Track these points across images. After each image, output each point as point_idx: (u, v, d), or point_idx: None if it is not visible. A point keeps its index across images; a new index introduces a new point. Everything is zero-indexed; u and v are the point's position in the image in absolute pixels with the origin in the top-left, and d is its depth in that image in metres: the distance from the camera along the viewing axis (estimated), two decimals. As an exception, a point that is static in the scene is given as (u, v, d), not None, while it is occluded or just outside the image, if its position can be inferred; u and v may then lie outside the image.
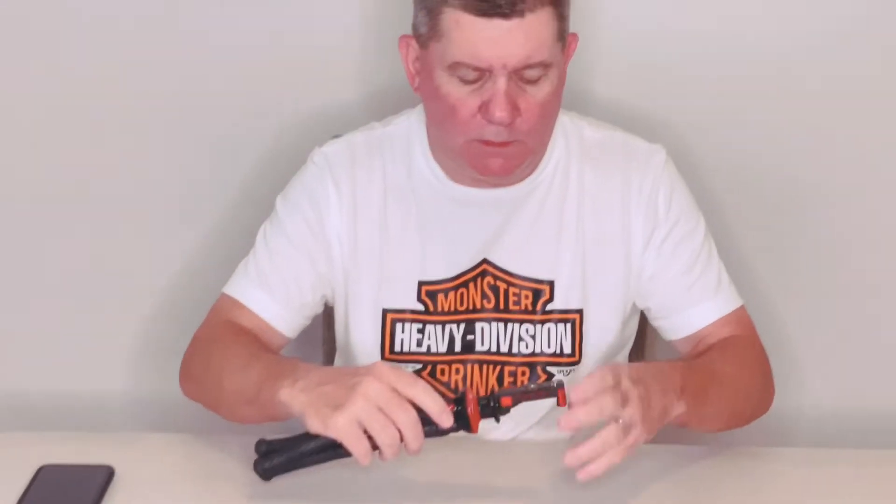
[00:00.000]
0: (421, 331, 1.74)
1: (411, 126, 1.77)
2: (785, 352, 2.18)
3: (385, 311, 1.74)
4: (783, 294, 2.22)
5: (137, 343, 2.26)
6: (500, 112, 1.58)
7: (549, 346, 1.74)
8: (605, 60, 2.10)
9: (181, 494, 1.54)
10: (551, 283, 1.73)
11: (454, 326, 1.74)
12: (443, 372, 1.74)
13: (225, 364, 1.58)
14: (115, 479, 1.54)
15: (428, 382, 1.69)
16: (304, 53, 2.10)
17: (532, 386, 1.54)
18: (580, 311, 1.74)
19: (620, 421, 1.40)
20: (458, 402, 1.44)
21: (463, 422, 1.44)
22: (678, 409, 1.50)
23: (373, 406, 1.38)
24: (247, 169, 2.16)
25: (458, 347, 1.74)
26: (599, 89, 2.11)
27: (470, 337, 1.74)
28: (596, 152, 1.76)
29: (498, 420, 1.46)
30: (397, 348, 1.74)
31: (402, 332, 1.74)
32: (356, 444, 1.39)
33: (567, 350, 1.74)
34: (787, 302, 2.23)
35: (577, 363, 1.74)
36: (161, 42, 2.11)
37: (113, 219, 2.19)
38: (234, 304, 1.72)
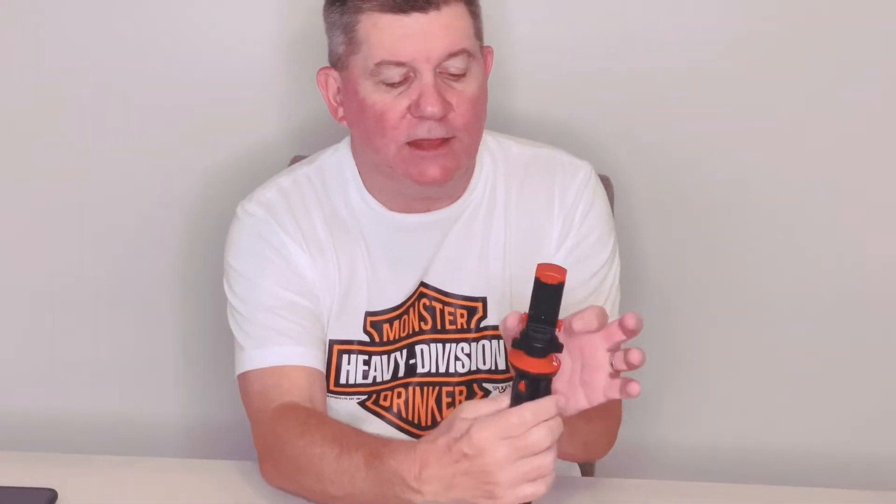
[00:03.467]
0: (367, 362, 1.74)
1: (341, 160, 1.77)
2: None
3: (332, 343, 1.74)
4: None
5: (93, 363, 2.25)
6: (431, 106, 1.60)
7: (484, 363, 1.75)
8: (523, 75, 2.12)
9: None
10: (484, 300, 1.75)
11: (398, 354, 1.75)
12: (385, 397, 1.75)
13: (321, 473, 1.52)
14: (58, 502, 1.54)
15: (371, 410, 1.73)
16: (221, 95, 2.13)
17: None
18: None
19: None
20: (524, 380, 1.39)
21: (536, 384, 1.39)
22: None
23: (516, 464, 1.36)
24: (181, 213, 2.18)
25: (401, 372, 1.75)
26: (520, 105, 2.13)
27: (412, 361, 1.75)
28: (522, 169, 1.78)
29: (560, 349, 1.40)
30: (342, 380, 1.74)
31: (349, 363, 1.74)
32: (538, 491, 1.37)
33: (502, 366, 1.75)
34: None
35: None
36: (77, 97, 2.13)
37: (70, 246, 2.21)
38: (271, 374, 1.66)
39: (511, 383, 1.41)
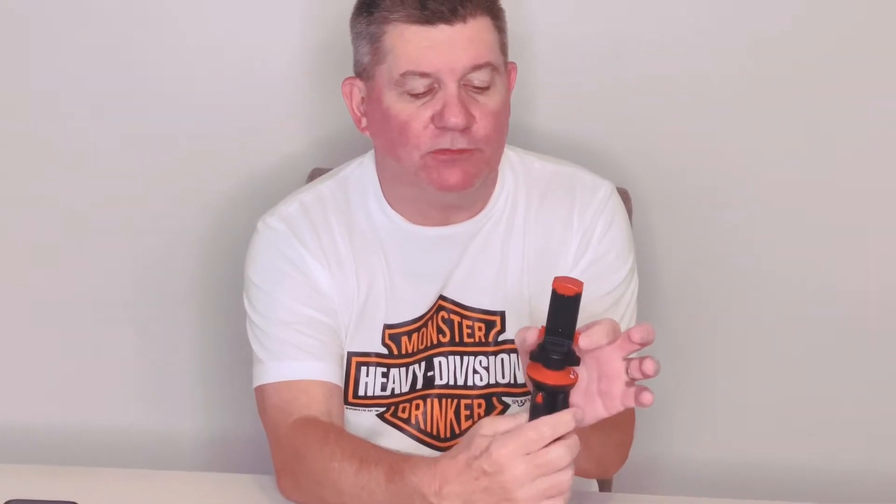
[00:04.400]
0: (385, 374, 1.74)
1: (364, 173, 1.77)
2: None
3: (350, 355, 1.74)
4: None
5: (113, 376, 2.25)
6: (454, 117, 1.61)
7: (503, 377, 1.75)
8: (544, 91, 2.12)
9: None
10: (502, 314, 1.75)
11: (416, 366, 1.75)
12: (403, 409, 1.75)
13: (340, 487, 1.52)
14: (79, 514, 1.55)
15: (390, 422, 1.73)
16: (245, 105, 2.13)
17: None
18: None
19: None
20: (542, 391, 1.39)
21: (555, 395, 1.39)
22: None
23: (536, 481, 1.36)
24: (204, 229, 2.18)
25: (419, 384, 1.75)
26: (541, 122, 2.13)
27: (430, 373, 1.75)
28: (543, 185, 1.78)
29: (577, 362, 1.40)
30: (360, 392, 1.75)
31: (367, 375, 1.74)
32: None
33: (521, 380, 1.75)
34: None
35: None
36: (100, 99, 2.13)
37: (86, 262, 2.21)
38: (289, 388, 1.66)
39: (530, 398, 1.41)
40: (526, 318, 1.73)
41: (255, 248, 1.74)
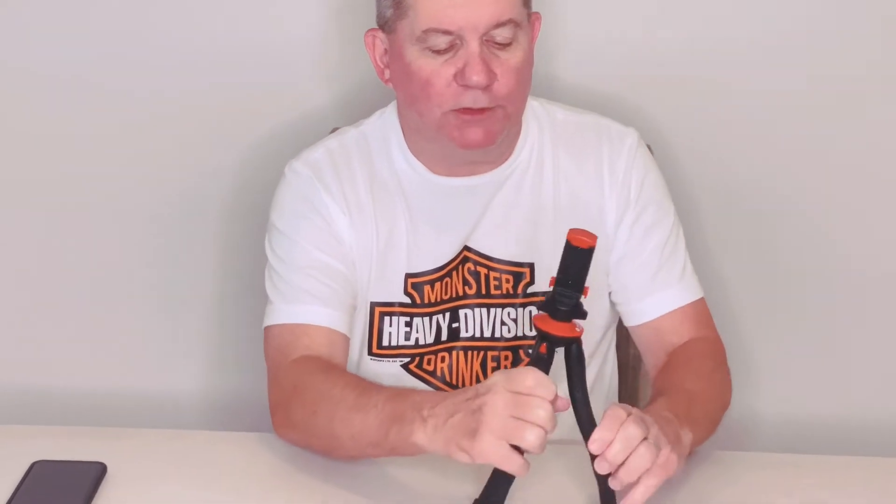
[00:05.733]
0: (409, 324, 1.75)
1: (385, 123, 1.78)
2: (743, 353, 2.19)
3: (373, 305, 1.74)
4: (745, 289, 2.22)
5: (135, 339, 2.25)
6: (476, 75, 1.60)
7: (531, 329, 1.75)
8: (570, 44, 2.11)
9: (174, 491, 1.54)
10: (531, 266, 1.74)
11: (440, 316, 1.75)
12: (429, 361, 1.75)
13: (334, 413, 1.53)
14: (108, 475, 1.55)
15: (415, 373, 1.74)
16: (270, 60, 2.11)
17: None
18: None
19: (649, 438, 1.41)
20: (543, 343, 1.40)
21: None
22: (687, 436, 1.51)
23: (507, 418, 1.36)
24: (228, 181, 2.17)
25: (444, 336, 1.75)
26: (565, 74, 2.12)
27: (455, 325, 1.75)
28: (569, 134, 1.77)
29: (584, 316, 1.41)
30: (385, 342, 1.75)
31: (391, 325, 1.75)
32: (508, 463, 1.37)
33: None
34: (749, 298, 2.22)
35: None
36: (128, 48, 2.12)
37: (108, 220, 2.20)
38: (293, 330, 1.68)
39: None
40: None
41: (280, 193, 1.76)
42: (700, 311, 1.77)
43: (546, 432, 1.36)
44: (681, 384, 1.64)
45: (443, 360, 1.76)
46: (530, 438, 1.35)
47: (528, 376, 1.37)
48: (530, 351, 1.70)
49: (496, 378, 1.39)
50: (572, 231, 1.38)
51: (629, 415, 1.40)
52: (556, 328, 1.39)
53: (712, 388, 1.66)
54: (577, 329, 1.39)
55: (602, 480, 1.42)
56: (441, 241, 1.75)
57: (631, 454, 1.38)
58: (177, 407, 2.24)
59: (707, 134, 2.15)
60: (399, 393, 1.50)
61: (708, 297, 1.79)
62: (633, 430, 1.38)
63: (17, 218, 2.19)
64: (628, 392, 1.97)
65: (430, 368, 1.76)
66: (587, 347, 1.74)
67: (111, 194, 2.18)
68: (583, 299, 1.41)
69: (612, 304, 1.80)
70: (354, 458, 1.55)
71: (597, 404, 1.61)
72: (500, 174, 1.75)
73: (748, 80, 2.13)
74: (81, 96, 2.13)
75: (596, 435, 1.38)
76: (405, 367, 1.76)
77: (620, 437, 1.38)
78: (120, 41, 2.11)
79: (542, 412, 1.36)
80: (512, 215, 1.75)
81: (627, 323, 1.79)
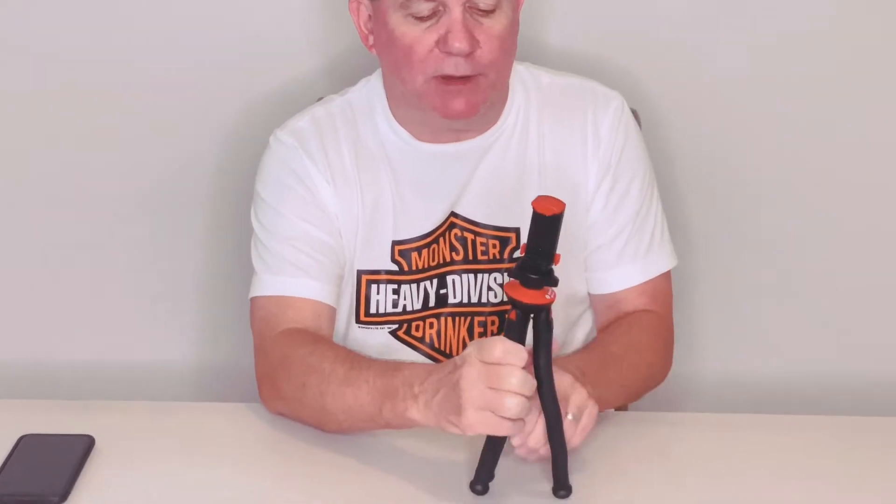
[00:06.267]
0: (396, 291, 1.74)
1: (370, 91, 1.77)
2: (690, 316, 2.19)
3: (360, 273, 1.74)
4: (705, 255, 2.21)
5: (123, 312, 2.24)
6: (458, 42, 1.59)
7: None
8: (557, 7, 2.10)
9: (163, 463, 1.54)
10: (517, 231, 1.74)
11: (428, 283, 1.75)
12: (417, 328, 1.75)
13: (325, 387, 1.54)
14: (96, 448, 1.55)
15: (403, 340, 1.74)
16: (255, 29, 2.10)
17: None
18: None
19: (570, 416, 1.46)
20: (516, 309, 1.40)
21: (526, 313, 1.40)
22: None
23: (484, 389, 1.37)
24: (216, 151, 2.15)
25: (432, 302, 1.75)
26: (552, 39, 2.11)
27: (443, 291, 1.74)
28: (555, 98, 1.77)
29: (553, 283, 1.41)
30: (372, 310, 1.75)
31: (378, 293, 1.74)
32: (497, 430, 1.39)
33: None
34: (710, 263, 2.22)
35: None
36: (109, 27, 2.10)
37: (96, 192, 2.18)
38: (279, 302, 1.67)
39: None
40: None
41: (265, 162, 1.75)
42: (659, 288, 1.78)
43: (524, 397, 1.37)
44: (607, 346, 1.67)
45: (431, 326, 1.76)
46: (510, 405, 1.37)
47: (497, 346, 1.38)
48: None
49: (469, 350, 1.40)
50: (539, 198, 1.38)
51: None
52: (527, 295, 1.38)
53: (639, 359, 1.68)
54: (548, 296, 1.39)
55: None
56: (427, 208, 1.74)
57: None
58: (166, 379, 2.23)
59: (693, 98, 2.14)
60: (389, 367, 1.50)
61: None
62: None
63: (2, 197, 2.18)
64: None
65: (419, 335, 1.75)
66: (576, 313, 1.79)
67: (98, 168, 2.16)
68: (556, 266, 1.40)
69: None
70: (347, 431, 1.56)
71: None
72: (485, 140, 1.74)
73: (736, 43, 2.12)
74: (59, 73, 2.12)
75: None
76: (393, 333, 1.76)
77: (539, 429, 1.45)
78: (102, 19, 2.10)
79: (514, 380, 1.36)
80: (498, 181, 1.74)
81: (588, 288, 1.80)
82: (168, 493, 1.48)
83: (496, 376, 1.37)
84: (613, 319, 1.75)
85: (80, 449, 1.53)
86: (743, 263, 2.21)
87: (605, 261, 1.76)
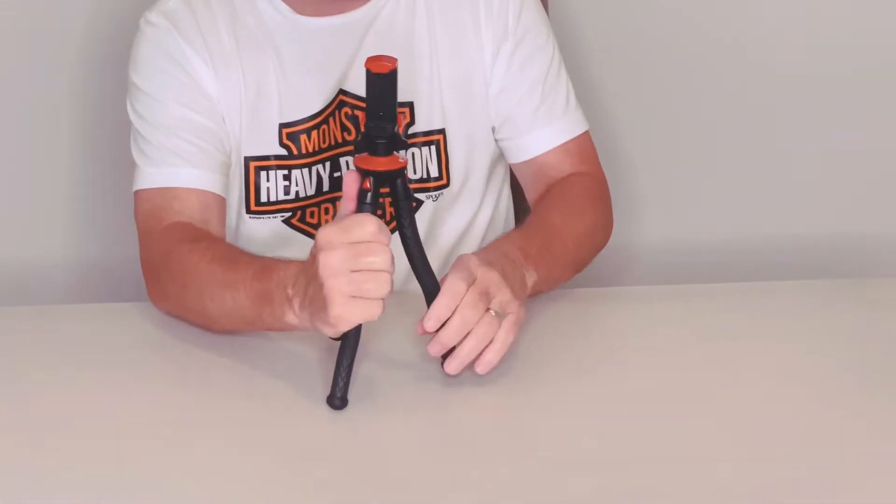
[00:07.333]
0: (287, 177, 1.69)
1: None
2: (627, 184, 2.19)
3: (247, 160, 1.68)
4: (628, 121, 2.20)
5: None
6: None
7: (414, 172, 1.70)
8: None
9: (44, 370, 1.47)
10: (410, 105, 1.69)
11: (320, 167, 1.69)
12: (312, 214, 1.71)
13: (204, 289, 1.49)
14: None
15: (297, 227, 1.69)
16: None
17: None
18: (443, 131, 1.70)
19: (493, 312, 1.38)
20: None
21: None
22: (531, 277, 1.50)
23: (349, 274, 1.30)
24: (80, 34, 2.10)
25: (326, 187, 1.70)
26: None
27: (337, 174, 1.70)
28: None
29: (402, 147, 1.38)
30: (263, 198, 1.69)
31: (268, 180, 1.69)
32: (370, 313, 1.31)
33: (434, 173, 1.70)
34: (632, 129, 2.21)
35: (445, 186, 1.72)
36: None
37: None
38: (163, 194, 1.62)
39: None
40: (438, 109, 1.69)
41: (137, 47, 1.67)
42: (583, 147, 1.75)
43: (390, 275, 1.31)
44: (546, 217, 1.63)
45: (327, 211, 1.71)
46: (383, 284, 1.30)
47: (368, 223, 1.31)
48: (426, 197, 1.71)
49: (326, 232, 1.31)
50: (370, 58, 1.33)
51: (470, 285, 1.36)
52: (379, 164, 1.34)
53: (580, 225, 1.65)
54: (401, 160, 1.35)
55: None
56: (315, 86, 1.68)
57: (469, 333, 1.36)
58: (41, 280, 2.17)
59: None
60: (265, 268, 1.44)
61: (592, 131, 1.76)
62: (470, 312, 1.35)
63: None
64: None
65: (314, 221, 1.71)
66: (475, 189, 1.75)
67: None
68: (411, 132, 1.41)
69: (497, 141, 1.76)
70: (232, 332, 1.51)
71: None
72: (370, 10, 1.68)
73: None
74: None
75: (431, 314, 1.35)
76: (287, 222, 1.70)
77: (457, 319, 1.35)
78: None
79: (385, 257, 1.30)
80: (386, 53, 1.62)
81: (511, 160, 1.76)
82: (52, 406, 1.39)
83: (362, 256, 1.30)
84: (544, 190, 1.71)
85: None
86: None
87: (520, 125, 1.72)
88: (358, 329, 1.34)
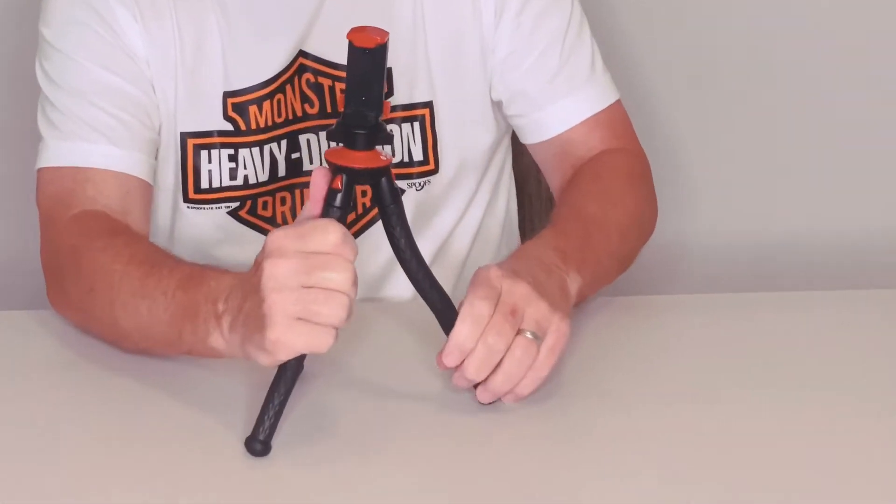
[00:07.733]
0: (233, 157, 1.51)
1: None
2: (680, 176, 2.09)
3: (185, 136, 1.50)
4: (675, 96, 2.07)
5: None
6: None
7: (393, 155, 1.54)
8: None
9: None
10: (388, 72, 1.49)
11: (274, 145, 1.52)
12: (265, 205, 1.54)
13: (115, 295, 1.33)
14: None
15: (246, 221, 1.52)
16: None
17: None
18: (429, 105, 1.54)
19: (528, 334, 1.21)
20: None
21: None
22: (574, 282, 1.34)
23: (298, 290, 1.13)
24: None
25: (282, 171, 1.53)
26: None
27: (295, 155, 1.53)
28: None
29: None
30: (204, 184, 1.51)
31: (210, 161, 1.51)
32: (317, 344, 1.13)
33: (418, 156, 1.55)
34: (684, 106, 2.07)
35: (433, 172, 1.55)
36: None
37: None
38: (74, 175, 1.46)
39: None
40: (423, 78, 1.53)
41: None
42: (616, 118, 1.57)
43: (349, 299, 1.14)
44: (580, 208, 1.46)
45: (283, 202, 1.55)
46: (339, 308, 1.12)
47: (331, 230, 1.13)
48: (407, 184, 1.57)
49: (277, 238, 1.14)
50: (354, 29, 1.18)
51: (494, 304, 1.20)
52: (358, 159, 1.18)
53: (622, 214, 1.49)
54: (383, 157, 1.19)
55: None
56: (267, 47, 1.51)
57: (499, 365, 1.20)
58: None
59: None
60: (193, 275, 1.27)
61: (629, 104, 1.59)
62: (496, 339, 1.19)
63: None
64: (534, 227, 1.78)
65: (267, 214, 1.54)
66: (471, 175, 1.60)
67: None
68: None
69: (506, 118, 1.58)
70: (146, 353, 1.33)
71: (492, 241, 1.59)
72: None
73: None
74: None
75: (450, 345, 1.19)
76: (233, 214, 1.53)
77: (481, 350, 1.19)
78: None
79: (347, 275, 1.13)
80: (358, 8, 1.50)
81: (527, 140, 1.59)
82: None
83: (317, 270, 1.12)
84: (572, 174, 1.54)
85: None
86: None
87: (536, 97, 1.55)
88: (300, 360, 1.15)
